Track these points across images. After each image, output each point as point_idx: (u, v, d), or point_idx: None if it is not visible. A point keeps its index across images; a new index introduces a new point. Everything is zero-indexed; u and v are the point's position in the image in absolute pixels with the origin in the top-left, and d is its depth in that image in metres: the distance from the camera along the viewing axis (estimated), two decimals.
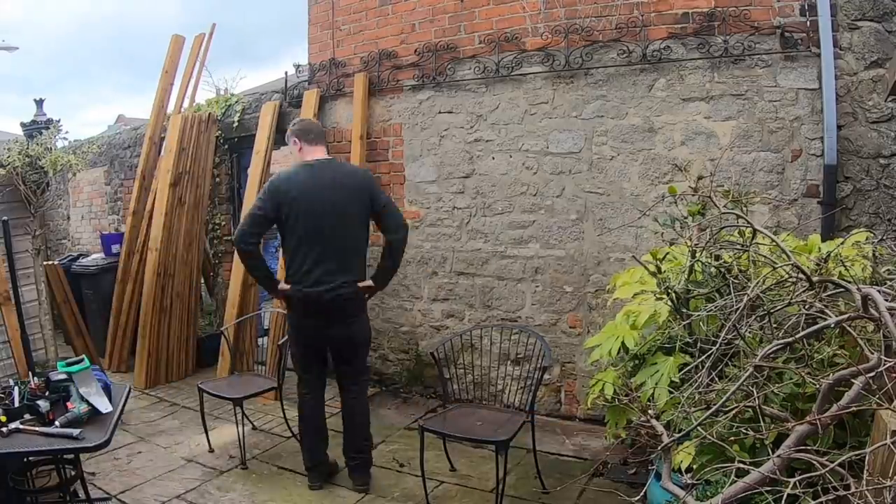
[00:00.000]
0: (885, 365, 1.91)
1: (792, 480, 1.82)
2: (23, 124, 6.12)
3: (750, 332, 2.59)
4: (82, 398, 3.45)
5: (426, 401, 5.73)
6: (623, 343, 3.26)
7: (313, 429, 4.31)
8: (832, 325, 2.21)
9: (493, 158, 5.44)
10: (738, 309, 2.51)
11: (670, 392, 2.70)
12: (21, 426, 3.22)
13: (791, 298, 2.55)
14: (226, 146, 7.48)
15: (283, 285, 4.11)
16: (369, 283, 4.19)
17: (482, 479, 4.26)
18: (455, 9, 5.63)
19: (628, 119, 4.94)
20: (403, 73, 5.93)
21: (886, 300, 2.06)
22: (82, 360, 3.66)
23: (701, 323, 2.85)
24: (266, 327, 6.72)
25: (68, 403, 3.41)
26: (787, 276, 2.65)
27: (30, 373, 4.41)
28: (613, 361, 3.41)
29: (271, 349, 5.95)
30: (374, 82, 6.08)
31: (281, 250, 4.62)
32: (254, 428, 5.32)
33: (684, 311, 2.98)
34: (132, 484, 4.29)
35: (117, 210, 9.19)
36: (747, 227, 2.80)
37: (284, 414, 5.12)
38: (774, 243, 2.65)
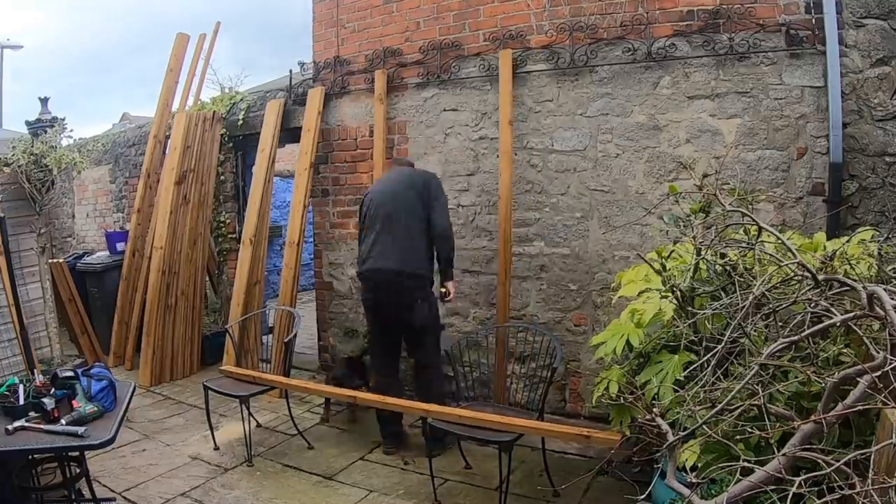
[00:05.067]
0: (890, 364, 1.91)
1: (797, 479, 1.81)
2: (27, 122, 6.11)
3: (755, 331, 2.58)
4: (88, 397, 3.47)
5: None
6: (628, 341, 3.26)
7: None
8: (838, 324, 2.20)
9: (498, 156, 5.42)
10: (743, 307, 2.50)
11: (675, 390, 2.69)
12: (26, 424, 3.23)
13: (796, 297, 2.54)
14: (230, 144, 7.49)
15: None
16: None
17: (487, 477, 4.26)
18: (460, 6, 5.62)
19: (633, 117, 4.93)
20: (408, 70, 5.92)
21: (892, 299, 2.05)
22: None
23: (706, 321, 2.85)
24: (271, 325, 6.73)
25: (74, 402, 3.42)
26: (792, 274, 2.64)
27: (33, 370, 4.43)
28: (618, 359, 3.41)
29: (277, 347, 5.96)
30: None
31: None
32: (259, 425, 5.33)
33: (689, 309, 2.97)
34: (137, 482, 4.31)
35: (122, 208, 9.22)
36: (753, 225, 2.80)
37: (290, 412, 5.13)
38: (780, 241, 2.64)
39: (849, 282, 2.34)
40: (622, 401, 3.13)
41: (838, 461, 1.83)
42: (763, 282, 2.56)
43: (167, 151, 7.16)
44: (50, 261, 6.30)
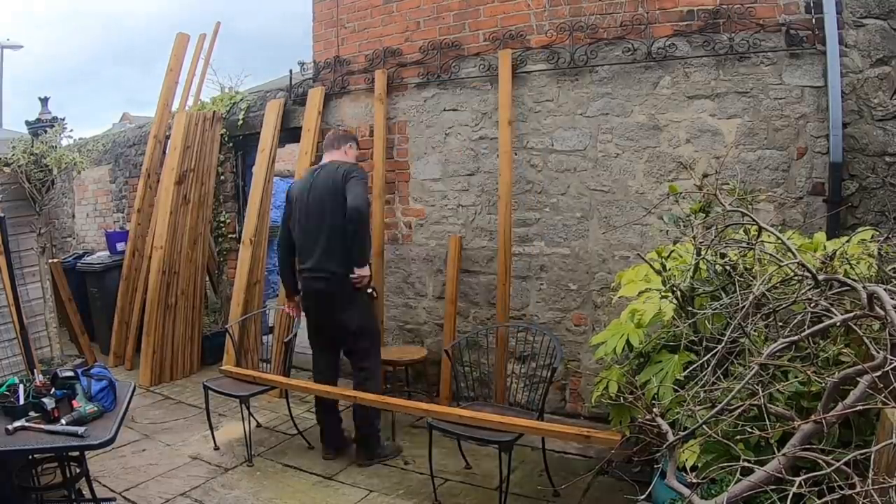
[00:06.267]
0: (890, 364, 1.90)
1: (797, 479, 1.81)
2: (28, 122, 6.11)
3: (755, 331, 2.58)
4: (88, 397, 3.46)
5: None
6: (628, 341, 3.26)
7: (324, 407, 4.73)
8: (838, 324, 2.20)
9: (498, 156, 5.43)
10: (743, 307, 2.50)
11: (675, 390, 2.69)
12: (26, 424, 3.23)
13: (796, 296, 2.54)
14: (230, 144, 7.48)
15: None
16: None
17: (486, 477, 4.26)
18: (459, 6, 5.62)
19: (633, 117, 4.93)
20: (408, 70, 5.92)
21: (892, 298, 2.05)
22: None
23: (706, 321, 2.85)
24: (271, 325, 6.73)
25: (74, 402, 3.42)
26: (792, 274, 2.64)
27: (33, 370, 4.43)
28: (618, 359, 3.41)
29: (277, 347, 5.96)
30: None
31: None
32: (258, 425, 5.33)
33: (689, 309, 2.97)
34: (137, 482, 4.31)
35: (122, 208, 9.21)
36: (753, 224, 2.80)
37: (290, 411, 5.13)
38: (780, 241, 2.64)
39: (849, 282, 2.34)
40: (622, 401, 3.13)
41: (838, 461, 1.83)
42: (763, 282, 2.56)
43: (167, 151, 7.16)
44: (50, 261, 6.31)
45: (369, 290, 4.55)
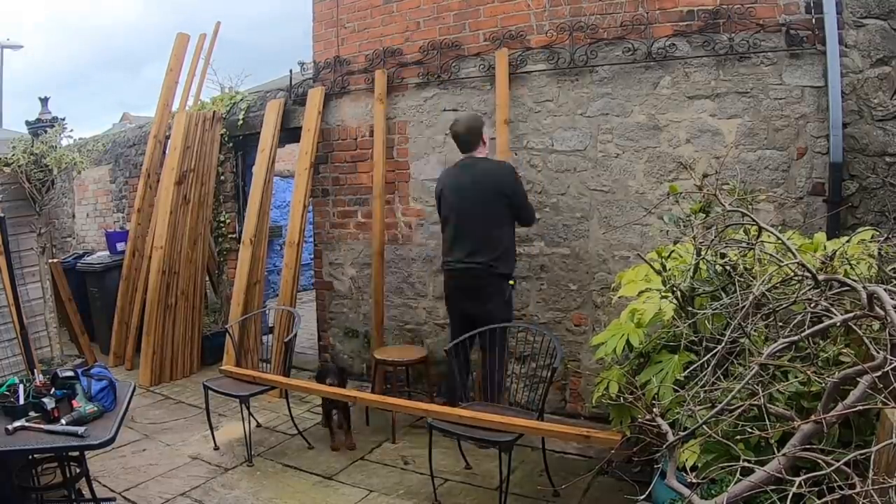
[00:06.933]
0: (890, 364, 1.90)
1: (797, 479, 1.81)
2: (28, 122, 6.12)
3: (755, 331, 2.58)
4: (88, 397, 3.46)
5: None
6: (628, 341, 3.25)
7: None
8: (838, 324, 2.20)
9: (498, 156, 5.42)
10: (743, 307, 2.50)
11: (675, 390, 2.69)
12: (26, 424, 3.23)
13: (796, 297, 2.54)
14: (230, 144, 7.49)
15: None
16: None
17: (486, 477, 4.26)
18: (460, 6, 5.62)
19: (633, 117, 4.93)
20: (408, 70, 5.92)
21: (892, 298, 2.05)
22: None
23: (706, 321, 2.85)
24: (271, 325, 6.73)
25: (73, 402, 3.42)
26: (792, 274, 2.64)
27: (33, 370, 4.42)
28: (618, 359, 3.40)
29: (277, 347, 5.96)
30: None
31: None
32: (258, 425, 5.33)
33: (689, 309, 2.97)
34: (137, 482, 4.31)
35: (122, 208, 9.22)
36: (753, 225, 2.80)
37: (290, 411, 5.13)
38: (780, 241, 2.64)
39: (849, 282, 2.34)
40: (622, 401, 3.13)
41: (838, 461, 1.83)
42: (763, 282, 2.56)
43: (167, 151, 7.16)
44: (50, 261, 6.31)
45: (510, 281, 4.76)
